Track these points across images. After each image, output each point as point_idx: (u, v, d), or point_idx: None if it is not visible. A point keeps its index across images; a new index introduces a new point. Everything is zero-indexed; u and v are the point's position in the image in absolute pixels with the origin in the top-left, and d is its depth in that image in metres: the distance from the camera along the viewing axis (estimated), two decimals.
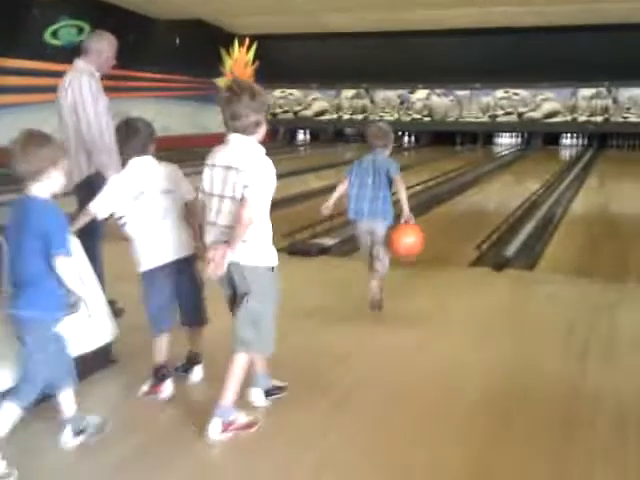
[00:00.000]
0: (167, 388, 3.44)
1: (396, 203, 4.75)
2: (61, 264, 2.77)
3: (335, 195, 4.81)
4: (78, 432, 2.98)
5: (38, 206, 2.79)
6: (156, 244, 3.39)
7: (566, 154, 21.07)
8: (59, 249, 2.76)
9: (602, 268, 6.38)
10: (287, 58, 22.34)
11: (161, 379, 3.44)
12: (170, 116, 19.62)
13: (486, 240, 7.53)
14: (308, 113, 25.16)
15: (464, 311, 4.91)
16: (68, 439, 2.97)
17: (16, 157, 2.73)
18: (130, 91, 17.22)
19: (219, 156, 3.05)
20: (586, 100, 22.60)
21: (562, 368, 3.86)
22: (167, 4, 17.51)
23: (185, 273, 3.47)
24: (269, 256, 3.10)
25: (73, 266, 2.83)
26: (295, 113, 25.10)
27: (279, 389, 3.45)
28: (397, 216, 4.72)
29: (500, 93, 23.40)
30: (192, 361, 3.65)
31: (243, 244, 2.97)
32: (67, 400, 2.97)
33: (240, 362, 3.10)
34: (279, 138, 24.03)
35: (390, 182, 4.68)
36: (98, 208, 3.41)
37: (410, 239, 4.61)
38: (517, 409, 3.37)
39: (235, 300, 3.14)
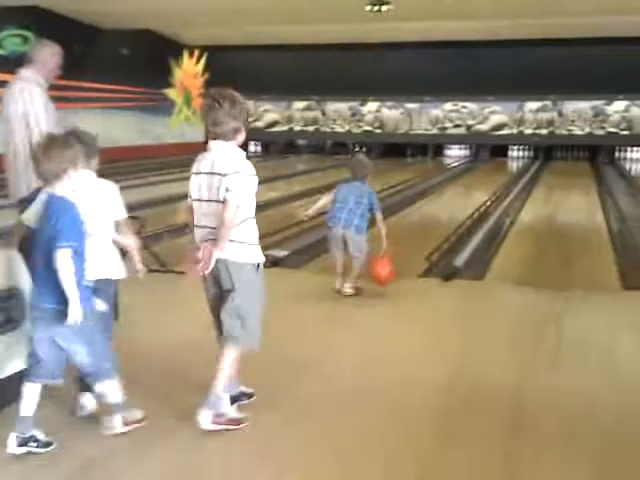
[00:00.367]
0: (90, 402, 3.31)
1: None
2: (60, 258, 2.85)
3: (319, 204, 5.57)
4: (22, 443, 2.90)
5: (57, 203, 2.97)
6: None
7: (513, 166, 21.45)
8: (62, 242, 2.86)
9: (549, 277, 6.49)
10: (238, 69, 22.26)
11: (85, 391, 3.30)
12: (117, 127, 19.38)
13: (436, 251, 7.60)
14: (259, 124, 25.13)
15: (414, 321, 4.93)
16: (12, 447, 2.90)
17: (39, 159, 2.98)
18: (76, 102, 16.94)
19: (203, 163, 3.22)
20: (532, 113, 23.09)
21: (509, 376, 3.89)
22: (115, 14, 17.30)
23: (101, 294, 3.28)
24: (255, 254, 3.23)
25: (70, 264, 2.86)
26: None
27: (246, 396, 3.47)
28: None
29: (449, 106, 23.74)
30: None
31: (230, 243, 3.11)
32: (32, 396, 2.95)
33: (229, 356, 3.21)
34: None
35: (370, 207, 5.46)
36: (30, 219, 3.22)
37: (389, 270, 5.42)
38: (465, 416, 3.38)
39: (219, 298, 3.25)
